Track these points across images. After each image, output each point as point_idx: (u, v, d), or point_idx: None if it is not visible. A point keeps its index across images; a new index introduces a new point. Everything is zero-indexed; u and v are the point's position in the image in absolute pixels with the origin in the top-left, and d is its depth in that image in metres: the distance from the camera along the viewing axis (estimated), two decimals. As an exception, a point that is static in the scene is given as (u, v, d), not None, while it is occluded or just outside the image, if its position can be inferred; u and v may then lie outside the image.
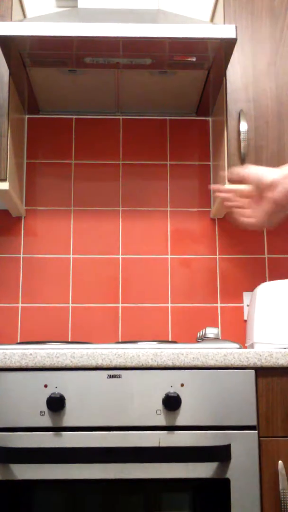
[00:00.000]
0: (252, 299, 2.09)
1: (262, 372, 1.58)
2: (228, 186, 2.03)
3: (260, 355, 1.57)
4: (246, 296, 2.31)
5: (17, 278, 2.29)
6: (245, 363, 1.57)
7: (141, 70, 2.07)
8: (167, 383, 1.55)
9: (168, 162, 2.41)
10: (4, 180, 2.01)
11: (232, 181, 1.73)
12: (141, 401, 1.55)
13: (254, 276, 2.33)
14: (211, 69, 2.06)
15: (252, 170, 1.57)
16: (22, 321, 2.26)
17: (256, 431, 1.55)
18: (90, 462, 1.51)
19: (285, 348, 1.67)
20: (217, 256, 2.35)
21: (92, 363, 1.56)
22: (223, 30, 1.89)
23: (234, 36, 1.88)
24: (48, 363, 1.56)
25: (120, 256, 2.34)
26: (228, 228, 2.36)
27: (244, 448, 1.53)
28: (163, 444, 1.53)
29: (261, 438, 1.55)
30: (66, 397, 1.54)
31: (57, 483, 1.52)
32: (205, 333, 1.85)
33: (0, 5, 2.09)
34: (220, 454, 1.51)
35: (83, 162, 2.39)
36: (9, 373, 1.56)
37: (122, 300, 2.30)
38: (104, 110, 2.39)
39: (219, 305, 2.31)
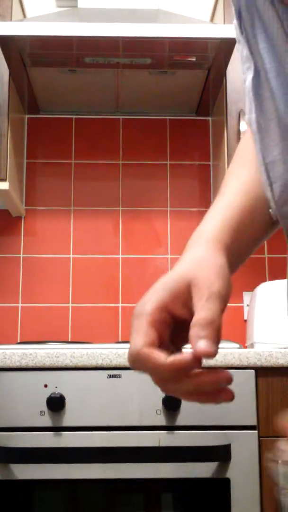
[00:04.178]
0: (252, 299, 2.09)
1: (262, 372, 1.58)
2: None
3: (260, 355, 1.57)
4: (246, 296, 2.31)
5: (17, 278, 2.29)
6: (245, 363, 1.57)
7: (141, 70, 2.07)
8: (167, 383, 1.55)
9: (168, 162, 2.41)
10: (4, 180, 2.01)
11: None
12: (141, 401, 1.54)
13: (254, 276, 2.33)
14: (211, 69, 2.06)
15: None
16: (22, 321, 2.26)
17: (256, 431, 1.55)
18: (90, 462, 1.51)
19: (285, 348, 1.67)
20: (217, 256, 2.35)
21: (92, 363, 1.56)
22: (223, 30, 1.89)
23: (234, 36, 1.88)
24: (48, 363, 1.55)
25: (120, 256, 2.34)
26: (228, 228, 2.36)
27: (244, 448, 1.53)
28: (163, 444, 1.53)
29: (261, 438, 1.55)
30: (66, 397, 1.54)
31: (57, 483, 1.52)
32: (205, 333, 1.85)
33: (0, 5, 2.09)
34: (220, 454, 1.51)
35: (83, 162, 2.39)
36: (9, 373, 1.56)
37: (122, 300, 2.30)
38: (104, 110, 2.39)
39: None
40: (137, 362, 0.58)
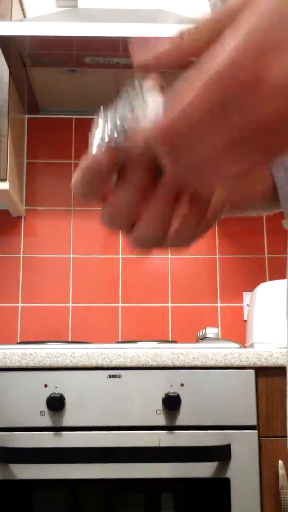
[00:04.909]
0: (252, 299, 2.09)
1: (262, 372, 1.58)
2: None
3: (260, 355, 1.57)
4: (246, 296, 2.31)
5: (17, 278, 2.29)
6: (245, 363, 1.57)
7: (141, 70, 2.07)
8: (167, 383, 1.55)
9: (168, 162, 2.41)
10: (4, 180, 2.01)
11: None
12: (141, 401, 1.55)
13: (254, 276, 2.33)
14: (211, 69, 2.06)
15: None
16: (22, 321, 2.26)
17: (256, 431, 1.55)
18: (90, 462, 1.51)
19: (285, 348, 1.67)
20: (217, 256, 2.35)
21: (92, 363, 1.56)
22: (223, 30, 1.88)
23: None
24: (48, 363, 1.56)
25: (120, 256, 2.34)
26: (228, 228, 2.36)
27: (244, 448, 1.53)
28: (163, 444, 1.53)
29: (261, 438, 1.55)
30: (66, 397, 1.54)
31: (57, 483, 1.52)
32: (205, 333, 1.85)
33: (0, 5, 2.09)
34: (220, 454, 1.51)
35: (83, 162, 2.39)
36: (9, 373, 1.56)
37: (122, 300, 2.30)
38: (104, 110, 2.39)
39: (219, 305, 2.31)
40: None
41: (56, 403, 1.52)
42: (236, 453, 1.52)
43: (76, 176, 0.41)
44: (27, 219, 2.35)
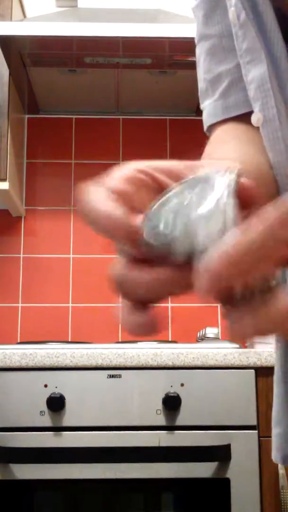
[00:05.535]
0: (252, 299, 2.09)
1: (262, 372, 1.58)
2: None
3: (260, 355, 1.57)
4: (246, 296, 2.31)
5: (17, 278, 2.29)
6: (245, 363, 1.57)
7: (141, 70, 2.07)
8: (167, 383, 1.55)
9: (168, 162, 2.41)
10: (4, 180, 2.01)
11: None
12: (141, 401, 1.55)
13: (254, 276, 2.33)
14: (211, 69, 2.06)
15: None
16: (22, 321, 2.26)
17: (256, 431, 1.55)
18: (90, 462, 1.51)
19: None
20: (217, 256, 2.35)
21: (92, 363, 1.56)
22: (223, 30, 1.88)
23: (234, 36, 1.88)
24: (48, 363, 1.56)
25: (120, 256, 2.33)
26: (228, 228, 2.36)
27: (244, 448, 1.53)
28: (163, 444, 1.53)
29: (261, 438, 1.55)
30: (66, 397, 1.54)
31: (57, 483, 1.52)
32: (205, 333, 1.85)
33: (0, 5, 2.09)
34: (220, 454, 1.51)
35: (83, 162, 2.39)
36: (9, 373, 1.56)
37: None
38: (104, 110, 2.39)
39: (219, 305, 2.31)
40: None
41: (56, 403, 1.52)
42: (236, 453, 1.53)
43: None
44: (27, 219, 2.35)
